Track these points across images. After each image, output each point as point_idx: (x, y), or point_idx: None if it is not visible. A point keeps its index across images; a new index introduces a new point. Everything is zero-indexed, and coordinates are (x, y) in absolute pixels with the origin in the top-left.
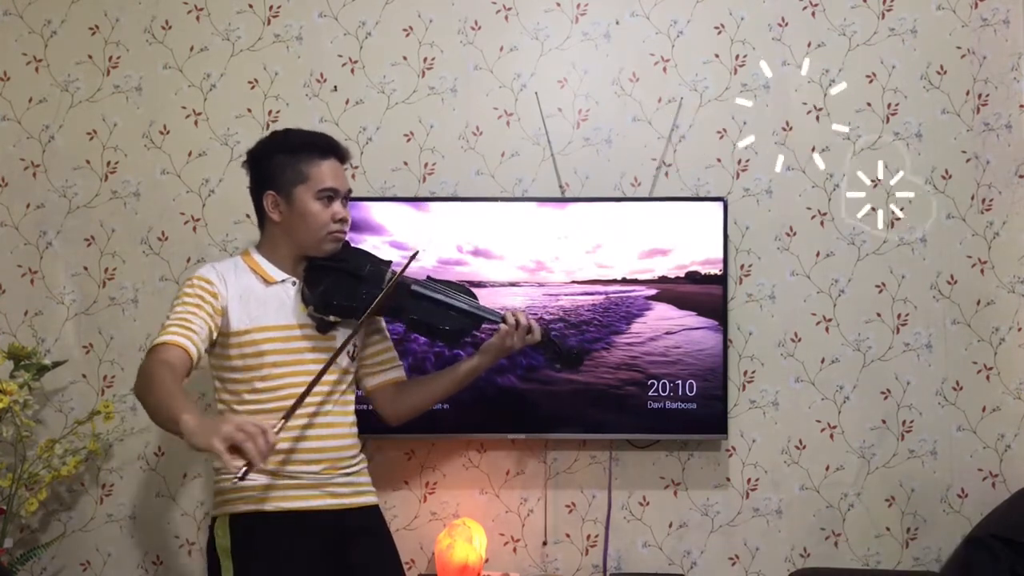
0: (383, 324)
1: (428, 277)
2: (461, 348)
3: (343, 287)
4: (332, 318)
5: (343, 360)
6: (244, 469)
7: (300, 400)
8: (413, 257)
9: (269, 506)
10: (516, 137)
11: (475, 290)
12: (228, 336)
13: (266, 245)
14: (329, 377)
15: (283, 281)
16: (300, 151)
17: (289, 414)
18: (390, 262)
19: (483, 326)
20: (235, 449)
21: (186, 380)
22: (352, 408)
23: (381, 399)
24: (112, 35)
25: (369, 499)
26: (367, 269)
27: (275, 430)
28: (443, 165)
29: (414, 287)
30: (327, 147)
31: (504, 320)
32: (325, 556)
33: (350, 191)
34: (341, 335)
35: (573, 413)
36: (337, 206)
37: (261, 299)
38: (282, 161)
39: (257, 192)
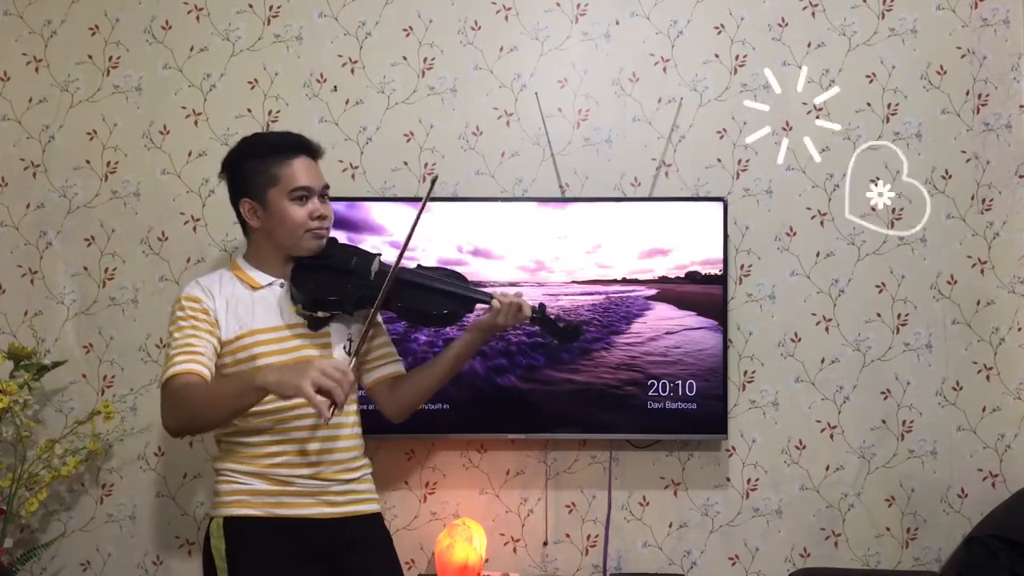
0: (379, 318)
1: (419, 265)
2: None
3: (330, 283)
4: (320, 314)
5: (340, 357)
6: (332, 410)
7: (364, 338)
8: (433, 183)
9: (262, 512)
10: (516, 137)
11: None
12: (221, 345)
13: (251, 251)
14: None
15: (269, 284)
16: (269, 154)
17: (357, 350)
18: (379, 254)
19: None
20: (321, 391)
21: None
22: (354, 411)
23: (379, 394)
24: (112, 35)
25: (369, 507)
26: (353, 262)
27: (351, 366)
28: (443, 165)
29: (373, 270)
30: (295, 146)
31: (494, 298)
32: (319, 565)
33: (327, 187)
34: (335, 331)
35: (573, 413)
36: (314, 203)
37: (248, 305)
38: (253, 167)
39: (235, 201)
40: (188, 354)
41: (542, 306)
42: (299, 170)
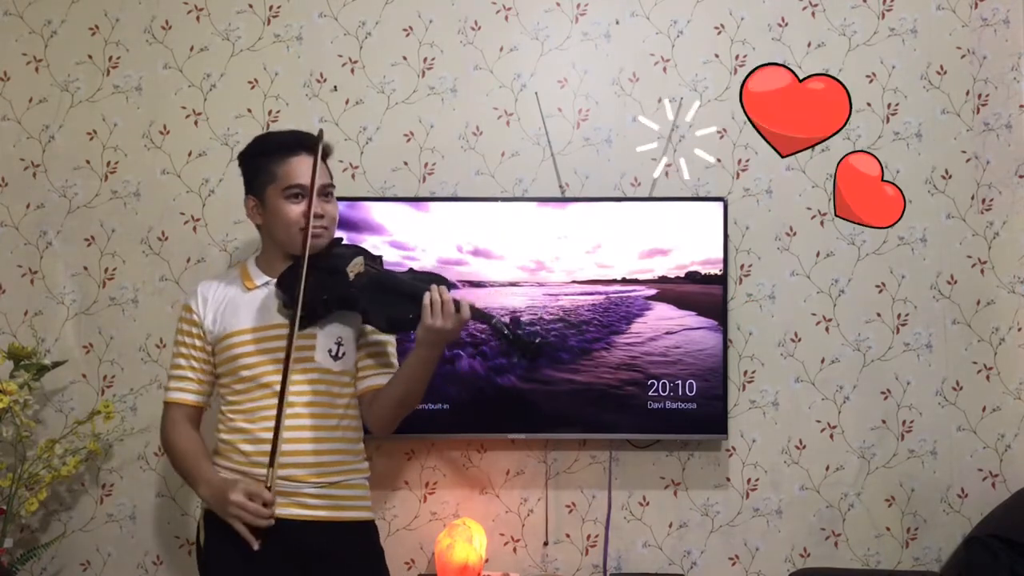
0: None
1: (410, 269)
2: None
3: (308, 282)
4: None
5: (324, 360)
6: (259, 542)
7: (277, 432)
8: (320, 139)
9: None
10: (516, 137)
11: (475, 290)
12: (214, 348)
13: (261, 250)
14: (302, 376)
15: (264, 284)
16: (271, 152)
17: (272, 458)
18: (379, 257)
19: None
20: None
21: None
22: (339, 414)
23: (363, 406)
24: (112, 35)
25: (355, 514)
26: (336, 263)
27: (268, 486)
28: (443, 165)
29: (351, 271)
30: (295, 143)
31: (427, 291)
32: (296, 565)
33: (329, 185)
34: (323, 334)
35: (573, 413)
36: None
37: (235, 305)
38: (258, 164)
39: (245, 198)
40: (178, 380)
41: (515, 320)
42: (295, 168)
